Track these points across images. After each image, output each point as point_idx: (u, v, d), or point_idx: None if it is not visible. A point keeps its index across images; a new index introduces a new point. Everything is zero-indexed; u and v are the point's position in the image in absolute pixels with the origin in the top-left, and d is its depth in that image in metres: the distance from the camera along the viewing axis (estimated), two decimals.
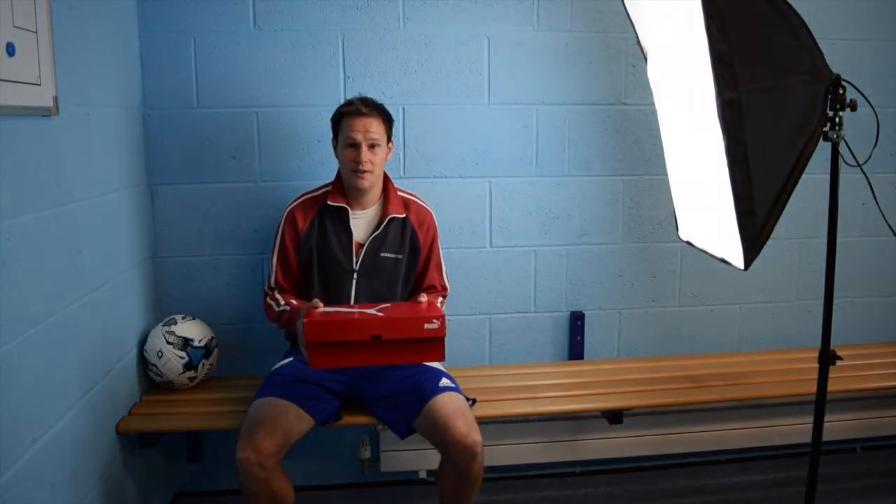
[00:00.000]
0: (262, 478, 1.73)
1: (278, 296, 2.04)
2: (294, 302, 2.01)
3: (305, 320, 1.71)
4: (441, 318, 1.71)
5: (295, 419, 1.84)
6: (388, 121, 2.03)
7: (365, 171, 1.96)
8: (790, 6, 1.44)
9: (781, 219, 1.47)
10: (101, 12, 1.94)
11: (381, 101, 2.03)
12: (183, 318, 2.19)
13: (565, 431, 2.39)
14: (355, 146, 1.95)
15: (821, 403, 1.63)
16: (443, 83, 2.35)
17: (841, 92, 1.45)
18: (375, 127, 1.97)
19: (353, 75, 2.31)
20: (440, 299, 2.14)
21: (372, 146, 1.96)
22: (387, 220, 2.03)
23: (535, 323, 2.52)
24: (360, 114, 1.96)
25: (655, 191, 2.49)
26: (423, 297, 1.94)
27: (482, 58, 2.36)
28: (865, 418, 2.48)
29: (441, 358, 1.75)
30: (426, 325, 1.71)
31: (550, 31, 2.37)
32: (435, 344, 1.72)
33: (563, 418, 2.36)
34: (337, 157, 2.04)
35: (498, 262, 2.47)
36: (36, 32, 1.51)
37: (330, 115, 2.04)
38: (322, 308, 1.83)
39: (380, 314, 1.76)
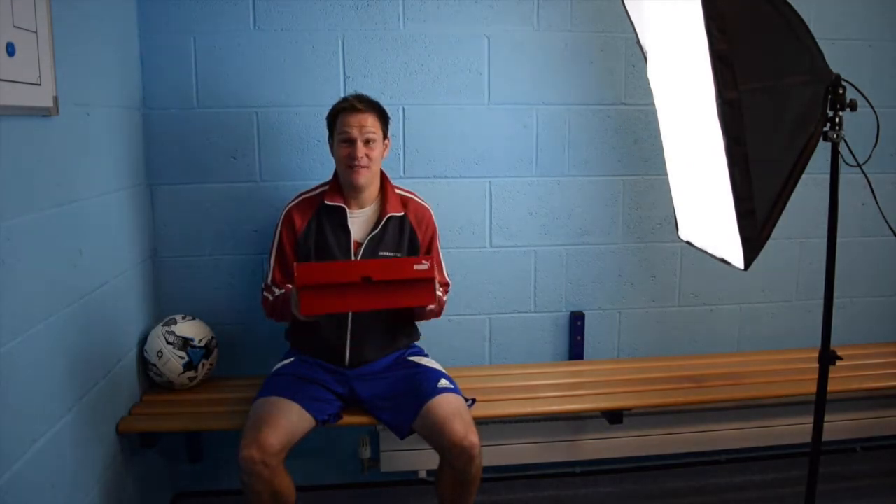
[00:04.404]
0: (265, 476, 1.73)
1: (275, 289, 2.04)
2: (289, 286, 2.01)
3: (296, 264, 1.77)
4: (430, 259, 1.78)
5: (298, 418, 1.84)
6: (383, 118, 2.02)
7: (361, 166, 1.95)
8: (790, 6, 1.44)
9: (781, 219, 1.47)
10: (101, 12, 1.94)
11: (378, 100, 2.03)
12: (183, 318, 2.19)
13: (565, 431, 2.39)
14: (351, 141, 1.95)
15: (821, 403, 1.63)
16: (443, 83, 2.35)
17: (841, 92, 1.45)
18: (371, 122, 1.96)
19: (353, 75, 2.31)
20: (441, 291, 2.13)
21: (368, 141, 1.95)
22: (385, 218, 2.02)
23: (535, 323, 2.52)
24: (355, 109, 1.95)
25: (655, 191, 2.49)
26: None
27: (482, 58, 2.36)
28: (865, 418, 2.48)
29: (432, 300, 1.80)
30: (416, 266, 1.76)
31: (550, 31, 2.37)
32: (425, 285, 1.77)
33: (562, 418, 2.36)
34: (333, 155, 2.03)
35: (498, 262, 2.47)
36: (36, 32, 1.51)
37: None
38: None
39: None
